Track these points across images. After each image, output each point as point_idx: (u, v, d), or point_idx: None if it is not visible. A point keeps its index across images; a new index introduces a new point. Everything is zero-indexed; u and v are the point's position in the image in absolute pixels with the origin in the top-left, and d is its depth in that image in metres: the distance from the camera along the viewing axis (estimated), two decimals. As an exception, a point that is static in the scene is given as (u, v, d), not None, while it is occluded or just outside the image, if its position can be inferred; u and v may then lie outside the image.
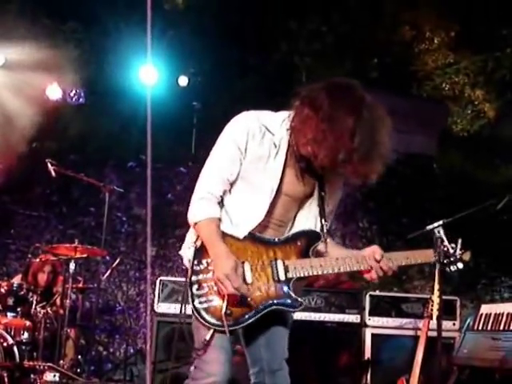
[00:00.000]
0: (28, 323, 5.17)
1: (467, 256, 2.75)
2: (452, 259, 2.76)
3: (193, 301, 2.50)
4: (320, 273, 2.55)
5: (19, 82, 7.49)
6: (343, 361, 5.13)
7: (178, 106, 7.65)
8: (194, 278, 2.51)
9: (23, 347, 5.07)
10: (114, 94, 7.01)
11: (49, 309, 5.32)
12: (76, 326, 5.56)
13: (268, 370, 2.66)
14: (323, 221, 2.64)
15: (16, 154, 6.58)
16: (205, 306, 2.48)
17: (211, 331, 2.49)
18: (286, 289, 2.50)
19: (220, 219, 2.52)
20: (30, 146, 6.53)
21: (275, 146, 2.53)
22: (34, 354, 5.13)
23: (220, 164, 2.54)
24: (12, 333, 5.12)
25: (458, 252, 2.76)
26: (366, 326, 5.18)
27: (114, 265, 5.88)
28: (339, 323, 5.17)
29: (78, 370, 5.41)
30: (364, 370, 5.09)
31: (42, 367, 4.85)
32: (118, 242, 6.86)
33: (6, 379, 4.82)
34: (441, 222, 3.30)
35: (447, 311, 5.03)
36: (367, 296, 5.24)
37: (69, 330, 5.30)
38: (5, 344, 4.96)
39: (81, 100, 7.10)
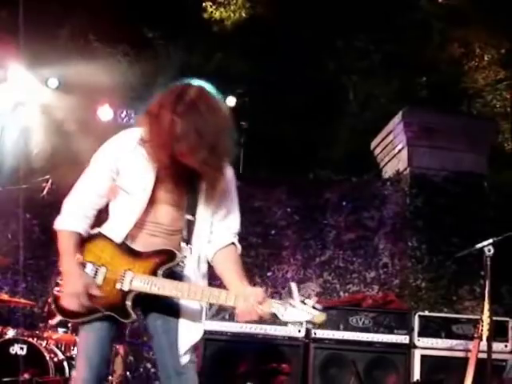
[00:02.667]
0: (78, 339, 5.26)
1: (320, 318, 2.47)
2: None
3: (53, 287, 2.72)
4: (159, 293, 2.59)
5: (72, 104, 7.72)
6: (391, 382, 5.04)
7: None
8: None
9: (73, 362, 5.16)
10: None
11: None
12: (125, 343, 5.63)
13: (174, 373, 2.71)
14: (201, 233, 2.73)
15: (69, 172, 6.75)
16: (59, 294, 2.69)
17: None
18: (122, 299, 2.59)
19: (81, 234, 2.68)
20: (83, 167, 6.67)
21: (146, 156, 2.66)
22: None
23: (91, 180, 2.72)
24: (62, 348, 5.24)
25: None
26: (415, 347, 5.07)
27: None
28: (387, 344, 5.09)
29: (127, 386, 5.47)
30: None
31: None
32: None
33: (56, 394, 4.93)
34: (491, 241, 3.24)
35: (499, 332, 4.89)
36: (416, 316, 5.15)
37: (118, 347, 5.37)
38: (55, 359, 5.07)
39: (131, 121, 7.28)
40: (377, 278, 6.83)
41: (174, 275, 2.65)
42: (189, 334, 2.73)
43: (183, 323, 2.72)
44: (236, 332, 4.88)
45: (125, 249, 2.67)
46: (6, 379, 4.83)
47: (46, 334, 5.22)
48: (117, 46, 10.14)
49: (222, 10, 11.22)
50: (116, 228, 2.70)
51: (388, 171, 7.68)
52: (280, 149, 8.87)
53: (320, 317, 2.44)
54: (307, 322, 2.47)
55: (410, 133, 7.21)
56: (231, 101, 7.86)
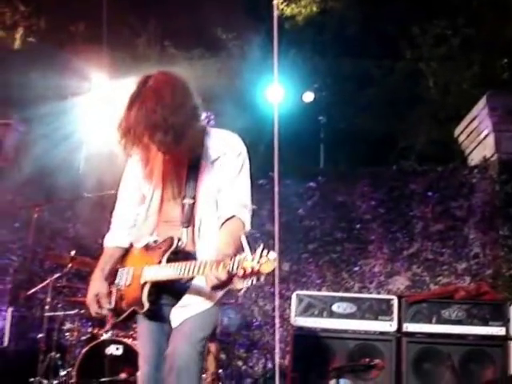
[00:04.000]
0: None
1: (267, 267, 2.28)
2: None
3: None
4: (164, 278, 2.67)
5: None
6: (488, 376, 4.89)
7: (304, 122, 7.74)
8: None
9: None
10: (241, 113, 7.21)
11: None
12: (216, 341, 5.72)
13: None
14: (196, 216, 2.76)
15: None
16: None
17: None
18: (141, 293, 2.71)
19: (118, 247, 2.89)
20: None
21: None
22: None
23: (121, 193, 2.95)
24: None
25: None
26: (512, 338, 4.91)
27: (250, 280, 5.98)
28: (482, 336, 4.94)
29: (220, 384, 5.55)
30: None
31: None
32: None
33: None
34: None
35: None
36: (512, 307, 4.98)
37: (209, 345, 5.45)
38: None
39: (211, 122, 7.36)
40: (468, 269, 6.64)
41: (178, 259, 2.70)
42: (185, 309, 2.74)
43: (184, 300, 2.75)
44: (326, 328, 4.87)
45: (146, 247, 2.82)
46: (103, 379, 5.00)
47: (140, 335, 5.36)
48: (192, 50, 10.32)
49: (293, 5, 11.21)
50: (139, 231, 2.88)
51: (474, 158, 7.46)
52: (360, 141, 8.76)
53: (267, 265, 2.29)
54: (256, 273, 2.29)
55: (495, 117, 6.97)
56: (309, 96, 7.85)
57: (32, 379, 5.34)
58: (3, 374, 6.16)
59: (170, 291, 2.77)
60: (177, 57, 10.08)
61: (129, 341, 5.22)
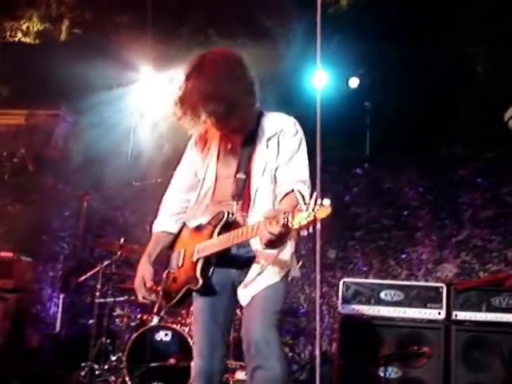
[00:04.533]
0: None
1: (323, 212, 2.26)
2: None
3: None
4: (216, 250, 2.69)
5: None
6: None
7: (349, 108, 7.66)
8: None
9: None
10: (286, 101, 7.19)
11: (238, 311, 5.55)
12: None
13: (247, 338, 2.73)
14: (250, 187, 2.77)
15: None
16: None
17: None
18: (194, 270, 2.73)
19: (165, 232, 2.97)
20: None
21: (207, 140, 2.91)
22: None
23: (175, 179, 3.02)
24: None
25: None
26: None
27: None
28: (534, 324, 4.84)
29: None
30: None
31: (233, 366, 5.08)
32: (299, 245, 6.98)
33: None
34: None
35: None
36: None
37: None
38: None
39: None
40: (518, 257, 6.52)
41: (229, 231, 2.69)
42: (252, 285, 2.73)
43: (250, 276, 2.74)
44: (374, 315, 4.84)
45: (197, 227, 2.86)
46: (153, 364, 5.10)
47: (188, 320, 5.44)
48: (236, 39, 10.30)
49: (337, -10, 11.07)
50: (191, 213, 2.91)
51: (524, 143, 7.28)
52: (406, 128, 8.63)
53: (323, 210, 2.28)
54: (312, 220, 2.27)
55: (545, 101, 6.78)
56: (354, 82, 7.76)
57: (83, 364, 5.48)
58: (55, 358, 6.34)
59: (233, 264, 2.76)
60: (220, 45, 10.10)
61: (177, 327, 5.30)
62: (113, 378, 5.35)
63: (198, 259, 2.75)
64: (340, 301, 4.90)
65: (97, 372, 5.42)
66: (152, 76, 7.80)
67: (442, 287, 4.95)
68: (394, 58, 9.31)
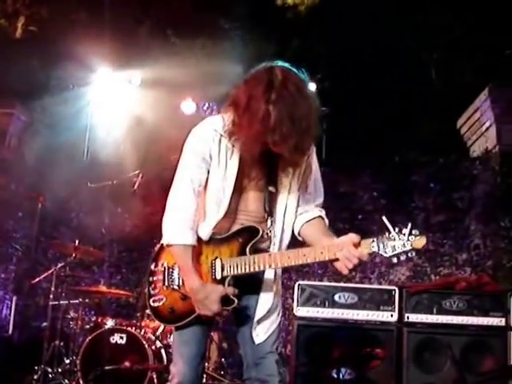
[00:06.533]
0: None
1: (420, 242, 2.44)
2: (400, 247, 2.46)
3: (148, 299, 2.69)
4: (255, 270, 2.56)
5: (155, 100, 7.91)
6: (487, 366, 4.92)
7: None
8: (150, 279, 2.71)
9: (170, 350, 5.33)
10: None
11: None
12: (219, 330, 5.76)
13: (252, 363, 2.71)
14: (286, 209, 2.70)
15: (155, 167, 6.95)
16: (156, 304, 2.67)
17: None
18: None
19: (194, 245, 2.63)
20: (169, 159, 6.86)
21: (230, 147, 2.63)
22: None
23: (189, 177, 2.65)
24: (160, 337, 5.42)
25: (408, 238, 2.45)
26: (512, 329, 4.94)
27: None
28: (483, 327, 4.96)
29: (222, 373, 5.60)
30: (510, 375, 4.86)
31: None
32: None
33: (155, 380, 5.11)
34: None
35: None
36: (512, 298, 5.00)
37: (212, 334, 5.50)
38: (153, 347, 5.26)
39: (213, 113, 7.39)
40: (469, 260, 6.67)
41: (260, 250, 2.64)
42: (266, 322, 2.71)
43: (261, 309, 2.70)
44: (328, 318, 4.89)
45: (211, 240, 2.66)
46: (107, 367, 5.06)
47: (143, 323, 5.42)
48: (194, 40, 10.29)
49: (295, -5, 11.15)
50: (204, 225, 2.67)
51: (476, 150, 7.47)
52: (362, 132, 8.76)
53: (420, 241, 2.44)
54: (409, 250, 2.45)
55: (497, 109, 6.98)
56: (312, 86, 7.83)
57: (36, 367, 5.40)
58: (8, 362, 6.21)
59: (240, 285, 2.62)
60: (179, 46, 10.06)
61: (132, 329, 5.27)
62: (67, 381, 5.28)
63: (222, 277, 2.59)
64: (295, 303, 4.93)
65: (50, 375, 5.34)
66: (109, 76, 7.73)
67: (395, 290, 5.02)
68: (352, 63, 9.43)
